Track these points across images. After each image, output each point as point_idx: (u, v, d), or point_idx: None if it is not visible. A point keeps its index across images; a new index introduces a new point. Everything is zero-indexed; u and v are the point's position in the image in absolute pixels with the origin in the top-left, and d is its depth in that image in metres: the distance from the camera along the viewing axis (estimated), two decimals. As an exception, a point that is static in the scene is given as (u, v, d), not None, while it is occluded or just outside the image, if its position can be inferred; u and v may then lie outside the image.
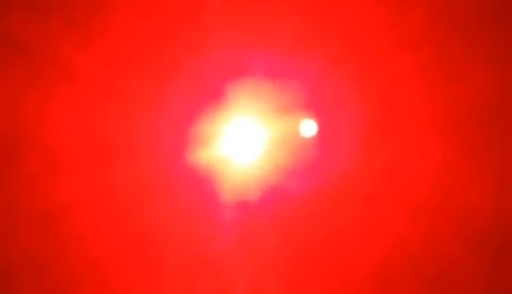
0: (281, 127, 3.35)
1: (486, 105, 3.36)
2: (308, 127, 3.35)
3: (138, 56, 3.35)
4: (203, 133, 3.35)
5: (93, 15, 3.34)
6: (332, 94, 3.37)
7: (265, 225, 3.35)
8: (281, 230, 3.36)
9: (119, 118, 3.33)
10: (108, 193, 3.32)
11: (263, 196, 3.34)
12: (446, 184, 3.34)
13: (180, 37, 3.37)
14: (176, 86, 3.36)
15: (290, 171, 3.35)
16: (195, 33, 3.36)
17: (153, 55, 3.36)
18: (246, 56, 3.36)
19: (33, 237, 3.27)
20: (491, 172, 3.35)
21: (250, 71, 3.35)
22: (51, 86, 3.31)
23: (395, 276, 3.33)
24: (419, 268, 3.33)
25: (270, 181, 3.35)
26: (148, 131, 3.34)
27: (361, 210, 3.34)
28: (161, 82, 3.36)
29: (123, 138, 3.33)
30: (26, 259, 3.26)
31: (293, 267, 3.35)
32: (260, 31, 3.38)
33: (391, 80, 3.38)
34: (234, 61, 3.35)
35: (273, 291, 3.34)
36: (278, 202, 3.35)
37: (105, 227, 3.31)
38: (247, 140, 3.37)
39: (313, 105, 3.36)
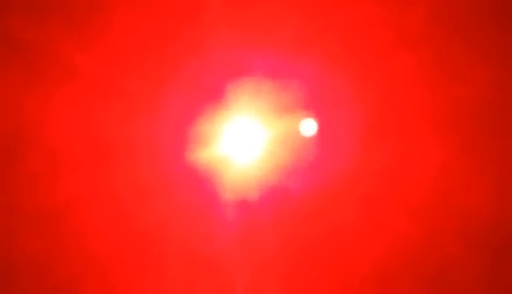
0: (282, 127, 3.35)
1: (486, 105, 3.36)
2: (308, 127, 3.35)
3: (138, 56, 3.35)
4: (203, 133, 3.35)
5: (93, 15, 3.34)
6: (332, 94, 3.37)
7: (265, 225, 3.35)
8: (281, 230, 3.36)
9: (119, 118, 3.33)
10: (108, 192, 3.32)
11: (264, 195, 3.34)
12: (446, 184, 3.34)
13: (180, 37, 3.37)
14: (176, 86, 3.36)
15: (291, 170, 3.35)
16: (196, 33, 3.36)
17: (153, 55, 3.36)
18: (246, 56, 3.36)
19: (33, 236, 3.27)
20: (492, 172, 3.35)
21: (251, 71, 3.35)
22: (52, 86, 3.31)
23: (395, 276, 3.34)
24: (419, 268, 3.33)
25: (270, 181, 3.35)
26: (148, 130, 3.34)
27: (361, 210, 3.34)
28: (161, 82, 3.36)
29: (123, 138, 3.33)
30: (26, 258, 3.27)
31: (293, 267, 3.35)
32: (260, 31, 3.38)
33: (391, 80, 3.38)
34: (234, 61, 3.36)
35: (273, 291, 3.34)
36: (278, 202, 3.35)
37: (106, 226, 3.31)
38: (247, 139, 3.37)
39: (313, 105, 3.36)
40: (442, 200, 3.33)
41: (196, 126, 3.34)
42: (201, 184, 3.35)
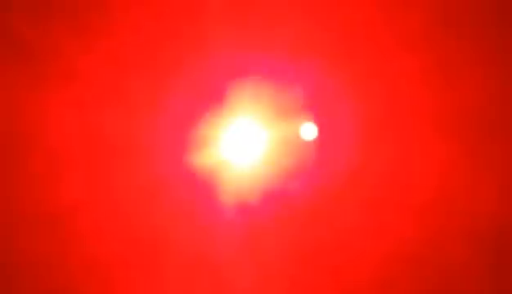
0: (283, 129, 3.35)
1: (488, 107, 3.36)
2: (310, 130, 3.35)
3: (140, 58, 3.35)
4: (204, 135, 3.35)
5: (95, 16, 3.34)
6: (334, 96, 3.37)
7: (267, 228, 3.35)
8: (283, 233, 3.36)
9: (120, 120, 3.33)
10: (109, 194, 3.32)
11: (265, 198, 3.34)
12: (449, 186, 3.33)
13: (181, 40, 3.37)
14: (177, 88, 3.36)
15: (292, 173, 3.35)
16: (197, 35, 3.36)
17: (155, 57, 3.36)
18: (248, 59, 3.36)
19: (34, 238, 3.27)
20: (495, 173, 3.35)
21: (252, 73, 3.35)
22: (53, 88, 3.31)
23: (398, 278, 3.33)
24: (422, 270, 3.33)
25: (271, 183, 3.35)
26: (150, 132, 3.34)
27: (364, 212, 3.34)
28: (163, 85, 3.36)
29: (124, 139, 3.33)
30: (28, 260, 3.26)
31: (295, 269, 3.35)
32: (262, 34, 3.37)
33: (393, 82, 3.37)
34: (236, 64, 3.35)
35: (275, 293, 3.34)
36: (280, 205, 3.35)
37: (107, 228, 3.30)
38: (249, 142, 3.36)
39: (315, 108, 3.36)
40: (444, 202, 3.33)
41: (197, 129, 3.34)
42: (202, 186, 3.34)
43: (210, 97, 3.35)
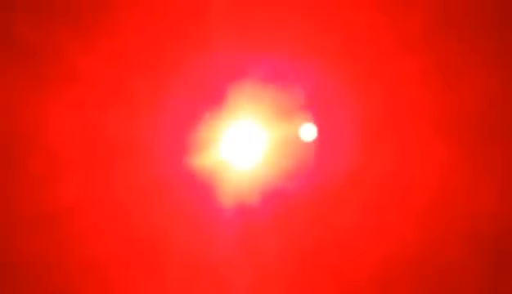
0: (284, 131, 3.35)
1: (488, 108, 3.35)
2: (310, 131, 3.35)
3: (141, 60, 3.36)
4: (205, 136, 3.35)
5: (96, 17, 3.35)
6: (334, 98, 3.37)
7: (266, 228, 3.34)
8: (282, 234, 3.35)
9: (121, 121, 3.33)
10: (109, 195, 3.32)
11: (265, 199, 3.34)
12: (449, 188, 3.33)
13: (183, 41, 3.37)
14: (178, 89, 3.36)
15: (292, 174, 3.34)
16: (198, 36, 3.37)
17: (156, 58, 3.37)
18: (249, 60, 3.36)
19: (33, 239, 3.27)
20: (495, 176, 3.34)
21: (253, 74, 3.35)
22: (54, 89, 3.32)
23: (397, 280, 3.32)
24: (421, 271, 3.32)
25: (271, 184, 3.35)
26: (150, 133, 3.34)
27: (364, 213, 3.34)
28: (164, 86, 3.36)
29: (125, 140, 3.33)
30: (26, 260, 3.26)
31: (294, 271, 3.34)
32: (263, 35, 3.38)
33: (393, 84, 3.38)
34: (237, 65, 3.36)
35: (275, 294, 3.34)
36: (279, 206, 3.34)
37: (106, 229, 3.30)
38: (248, 143, 3.37)
39: (316, 109, 3.36)
40: (444, 203, 3.32)
41: (198, 130, 3.34)
42: (202, 187, 3.34)
43: (211, 98, 3.35)
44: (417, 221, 3.32)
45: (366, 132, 3.36)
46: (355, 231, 3.33)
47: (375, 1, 3.37)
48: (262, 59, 3.36)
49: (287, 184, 3.34)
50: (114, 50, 3.35)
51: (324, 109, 3.36)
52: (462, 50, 3.37)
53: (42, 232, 3.27)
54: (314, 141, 3.35)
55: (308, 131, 3.34)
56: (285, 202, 3.34)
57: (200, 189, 3.33)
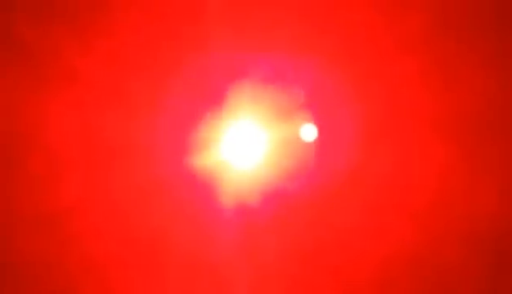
0: (284, 131, 3.35)
1: (487, 109, 3.36)
2: (310, 131, 3.35)
3: (140, 59, 3.36)
4: (204, 136, 3.35)
5: (95, 17, 3.35)
6: (334, 98, 3.37)
7: (266, 229, 3.35)
8: (283, 234, 3.35)
9: (120, 121, 3.33)
10: (109, 195, 3.31)
11: (265, 199, 3.34)
12: (448, 188, 3.34)
13: (182, 41, 3.37)
14: (177, 89, 3.36)
15: (292, 174, 3.35)
16: (197, 37, 3.36)
17: (155, 58, 3.36)
18: (248, 60, 3.36)
19: (33, 238, 3.26)
20: (494, 177, 3.35)
21: (252, 75, 3.35)
22: (53, 89, 3.31)
23: (397, 279, 3.33)
24: (421, 272, 3.33)
25: (271, 185, 3.35)
26: (150, 133, 3.34)
27: (363, 213, 3.34)
28: (162, 86, 3.36)
29: (124, 141, 3.33)
30: (26, 260, 3.25)
31: (294, 270, 3.34)
32: (262, 36, 3.38)
33: (392, 84, 3.38)
34: (236, 65, 3.36)
35: (274, 295, 3.35)
36: (279, 206, 3.35)
37: (106, 229, 3.30)
38: (248, 143, 3.37)
39: (315, 109, 3.36)
40: (443, 204, 3.33)
41: (197, 131, 3.34)
42: (202, 188, 3.34)
43: (210, 98, 3.35)
44: (416, 221, 3.33)
45: (365, 133, 3.36)
46: (354, 231, 3.33)
47: (374, 1, 3.38)
48: (261, 59, 3.36)
49: (287, 184, 3.35)
50: (112, 50, 3.35)
51: (323, 109, 3.37)
52: (461, 50, 3.38)
53: (41, 232, 3.26)
54: (314, 141, 3.35)
55: (308, 132, 3.34)
56: (286, 202, 3.35)
57: (200, 189, 3.33)
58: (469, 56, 3.38)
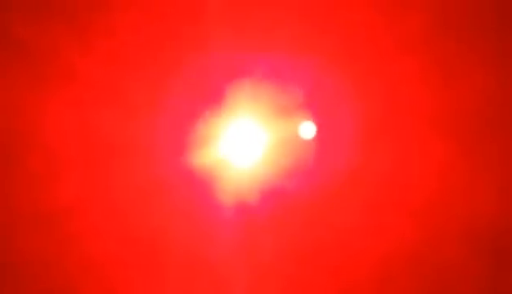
0: (283, 129, 3.35)
1: (486, 107, 3.37)
2: (309, 130, 3.35)
3: (138, 59, 3.36)
4: (203, 135, 3.35)
5: (94, 17, 3.35)
6: (333, 97, 3.38)
7: (265, 227, 3.34)
8: (282, 232, 3.35)
9: (118, 120, 3.33)
10: (108, 194, 3.31)
11: (264, 198, 3.34)
12: (447, 186, 3.34)
13: (181, 40, 3.38)
14: (176, 88, 3.36)
15: (291, 172, 3.35)
16: (196, 36, 3.37)
17: (153, 57, 3.37)
18: (248, 59, 3.36)
19: (32, 238, 3.26)
20: (493, 175, 3.36)
21: (251, 73, 3.36)
22: (52, 88, 3.31)
23: (396, 278, 3.32)
24: (420, 270, 3.32)
25: (270, 183, 3.35)
26: (148, 132, 3.33)
27: (362, 212, 3.34)
28: (161, 85, 3.36)
29: (123, 140, 3.33)
30: (25, 259, 3.25)
31: (293, 269, 3.34)
32: (262, 35, 3.39)
33: (391, 83, 3.39)
34: (236, 64, 3.36)
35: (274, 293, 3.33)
36: (278, 204, 3.34)
37: (105, 228, 3.29)
38: (248, 141, 3.37)
39: (315, 108, 3.37)
40: (443, 202, 3.33)
41: (196, 129, 3.34)
42: (201, 186, 3.34)
43: (209, 97, 3.35)
44: (415, 219, 3.33)
45: (364, 131, 3.37)
46: (354, 229, 3.33)
47: (374, 1, 3.39)
48: (261, 58, 3.36)
49: (286, 182, 3.34)
50: (111, 49, 3.35)
51: (323, 107, 3.37)
52: (460, 50, 3.39)
53: (40, 231, 3.26)
54: (313, 140, 3.35)
55: (307, 130, 3.35)
56: (284, 200, 3.34)
57: (199, 187, 3.33)
58: (468, 56, 3.39)
